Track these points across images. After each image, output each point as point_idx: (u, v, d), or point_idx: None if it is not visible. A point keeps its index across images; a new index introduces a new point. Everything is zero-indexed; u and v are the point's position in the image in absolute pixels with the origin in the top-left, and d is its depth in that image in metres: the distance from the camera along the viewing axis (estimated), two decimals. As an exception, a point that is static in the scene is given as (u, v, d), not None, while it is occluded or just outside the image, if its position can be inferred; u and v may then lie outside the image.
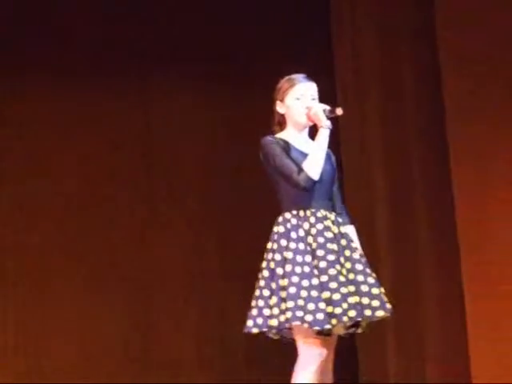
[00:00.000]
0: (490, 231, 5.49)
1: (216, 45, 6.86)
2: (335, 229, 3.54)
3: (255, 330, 3.48)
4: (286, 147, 3.52)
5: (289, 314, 3.34)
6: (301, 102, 3.53)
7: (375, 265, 5.84)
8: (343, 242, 3.53)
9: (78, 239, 6.56)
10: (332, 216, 3.55)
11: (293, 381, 3.46)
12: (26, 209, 6.51)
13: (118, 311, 6.55)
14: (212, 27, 6.92)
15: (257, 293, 3.53)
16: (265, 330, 3.45)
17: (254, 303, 3.52)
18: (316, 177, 3.46)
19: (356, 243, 3.65)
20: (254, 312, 3.48)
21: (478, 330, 5.44)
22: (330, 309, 3.37)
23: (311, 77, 3.66)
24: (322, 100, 3.77)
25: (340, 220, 3.59)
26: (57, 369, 6.36)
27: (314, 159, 3.45)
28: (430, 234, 5.88)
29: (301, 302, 3.36)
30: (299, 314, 3.34)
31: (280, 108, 3.56)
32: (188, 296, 6.54)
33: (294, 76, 3.60)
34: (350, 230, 3.66)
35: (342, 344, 6.10)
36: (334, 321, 3.34)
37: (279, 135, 3.57)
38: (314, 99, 3.56)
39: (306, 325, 3.29)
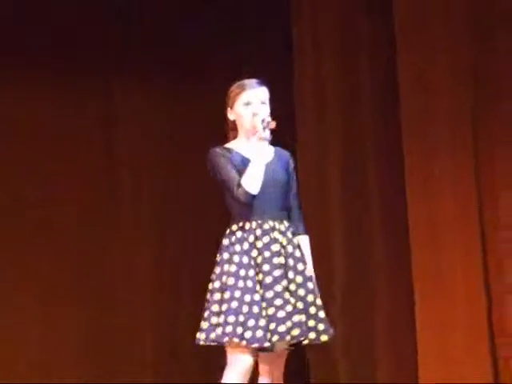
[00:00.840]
0: (439, 234, 5.57)
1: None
2: (284, 240, 3.40)
3: (202, 343, 3.39)
4: (234, 158, 3.38)
5: (228, 329, 3.24)
6: (250, 108, 3.36)
7: (329, 266, 5.96)
8: (296, 253, 3.41)
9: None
10: (282, 226, 3.40)
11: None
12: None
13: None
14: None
15: (205, 305, 3.44)
16: (208, 342, 3.37)
17: (203, 316, 3.42)
18: (254, 191, 3.31)
19: (307, 255, 3.50)
20: (203, 325, 3.39)
21: (427, 331, 5.55)
22: (272, 325, 3.27)
23: (268, 83, 3.46)
24: (278, 108, 3.58)
25: (291, 230, 3.44)
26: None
27: (251, 174, 3.29)
28: (383, 237, 5.97)
29: (241, 318, 3.26)
30: (239, 330, 3.25)
31: (230, 115, 3.41)
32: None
33: (244, 81, 3.44)
34: (304, 240, 3.51)
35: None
36: (275, 337, 3.24)
37: (230, 144, 3.44)
38: (263, 104, 3.39)
39: (244, 342, 3.20)
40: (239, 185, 3.27)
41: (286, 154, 3.52)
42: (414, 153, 5.61)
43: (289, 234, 3.39)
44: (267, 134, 3.29)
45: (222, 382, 3.34)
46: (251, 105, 3.33)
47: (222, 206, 3.65)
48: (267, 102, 3.39)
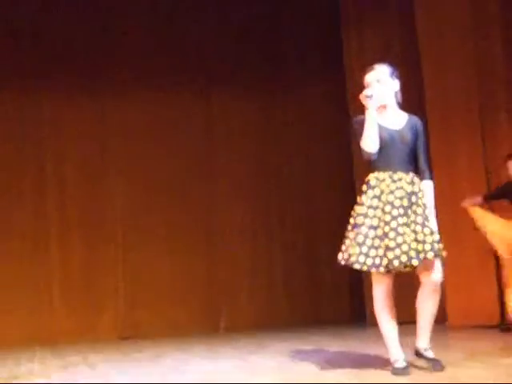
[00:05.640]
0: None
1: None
2: (409, 188, 3.85)
3: (342, 263, 3.97)
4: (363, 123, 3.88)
5: (354, 258, 3.83)
6: (368, 87, 3.91)
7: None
8: (413, 198, 3.83)
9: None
10: (408, 177, 3.88)
11: (375, 311, 4.03)
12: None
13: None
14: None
15: (346, 234, 3.99)
16: (349, 263, 3.89)
17: (345, 243, 3.97)
18: (369, 149, 3.84)
19: (430, 197, 3.93)
20: (343, 248, 3.97)
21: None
22: (386, 254, 3.76)
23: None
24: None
25: (416, 180, 3.89)
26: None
27: (364, 136, 3.83)
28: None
29: (364, 249, 3.81)
30: (361, 259, 3.81)
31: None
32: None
33: (371, 67, 4.00)
34: (427, 184, 3.94)
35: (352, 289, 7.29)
36: (385, 262, 3.75)
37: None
38: (378, 81, 3.90)
39: (365, 267, 3.79)
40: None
41: (415, 119, 4.02)
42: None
43: (414, 183, 3.90)
44: (369, 105, 3.83)
45: (373, 299, 4.01)
46: (370, 84, 3.94)
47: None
48: (384, 78, 3.93)
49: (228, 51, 8.48)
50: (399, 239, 3.72)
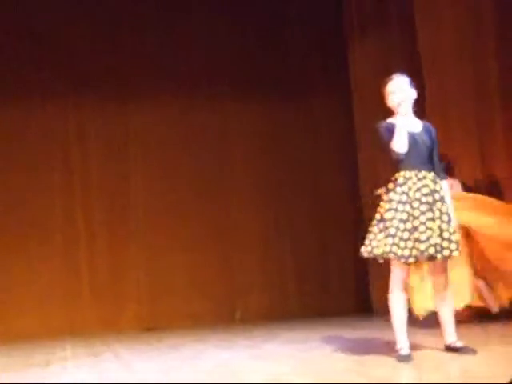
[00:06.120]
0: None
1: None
2: (432, 185, 4.03)
3: (365, 255, 4.09)
4: (391, 127, 4.07)
5: (387, 248, 3.94)
6: (393, 95, 4.11)
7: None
8: (436, 196, 4.01)
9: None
10: (430, 175, 4.06)
11: (389, 295, 4.08)
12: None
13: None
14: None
15: (370, 229, 4.10)
16: (371, 255, 4.03)
17: (368, 237, 4.08)
18: (401, 150, 4.00)
19: (447, 196, 4.08)
20: (367, 242, 4.09)
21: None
22: (416, 245, 3.90)
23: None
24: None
25: (437, 179, 4.07)
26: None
27: (395, 138, 4.00)
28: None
29: (396, 240, 3.93)
30: (395, 249, 3.93)
31: (387, 102, 4.20)
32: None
33: (390, 77, 4.20)
34: (443, 184, 4.11)
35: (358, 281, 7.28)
36: (414, 252, 3.90)
37: (390, 119, 4.15)
38: (401, 89, 4.10)
39: (396, 258, 3.94)
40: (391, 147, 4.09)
41: (428, 124, 4.25)
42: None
43: (436, 181, 4.09)
44: (401, 110, 4.06)
45: (390, 284, 4.07)
46: (393, 93, 4.14)
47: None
48: (405, 87, 4.14)
49: (241, 62, 8.72)
50: (428, 233, 3.89)
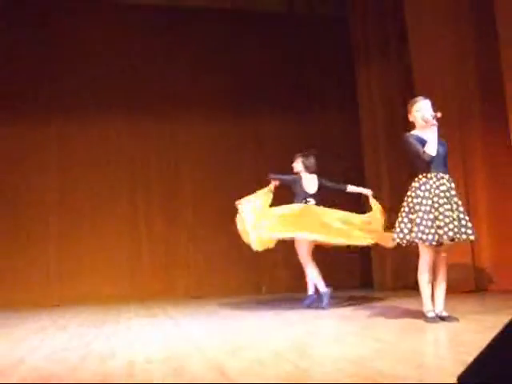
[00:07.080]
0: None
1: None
2: (448, 184, 4.42)
3: (399, 241, 4.48)
4: (416, 138, 4.50)
5: (414, 235, 4.35)
6: (420, 112, 4.50)
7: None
8: (452, 192, 4.41)
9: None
10: (446, 176, 4.47)
11: (419, 273, 4.44)
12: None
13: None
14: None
15: (399, 219, 4.49)
16: (404, 242, 4.41)
17: (397, 226, 4.46)
18: (433, 153, 4.40)
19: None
20: (398, 230, 4.49)
21: None
22: (438, 231, 4.26)
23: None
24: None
25: (451, 179, 4.44)
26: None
27: (430, 144, 4.39)
28: None
29: (422, 228, 4.31)
30: (420, 235, 4.33)
31: (410, 117, 4.64)
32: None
33: (415, 99, 4.62)
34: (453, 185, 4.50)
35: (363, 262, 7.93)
36: (436, 237, 4.26)
37: (413, 131, 4.59)
38: (427, 108, 4.49)
39: (423, 241, 4.33)
40: (424, 152, 4.43)
41: (440, 139, 4.57)
42: None
43: (450, 182, 4.48)
44: (434, 122, 4.45)
45: (419, 265, 4.44)
46: (420, 111, 4.55)
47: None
48: (428, 107, 4.57)
49: (269, 84, 9.45)
50: (447, 220, 4.30)
